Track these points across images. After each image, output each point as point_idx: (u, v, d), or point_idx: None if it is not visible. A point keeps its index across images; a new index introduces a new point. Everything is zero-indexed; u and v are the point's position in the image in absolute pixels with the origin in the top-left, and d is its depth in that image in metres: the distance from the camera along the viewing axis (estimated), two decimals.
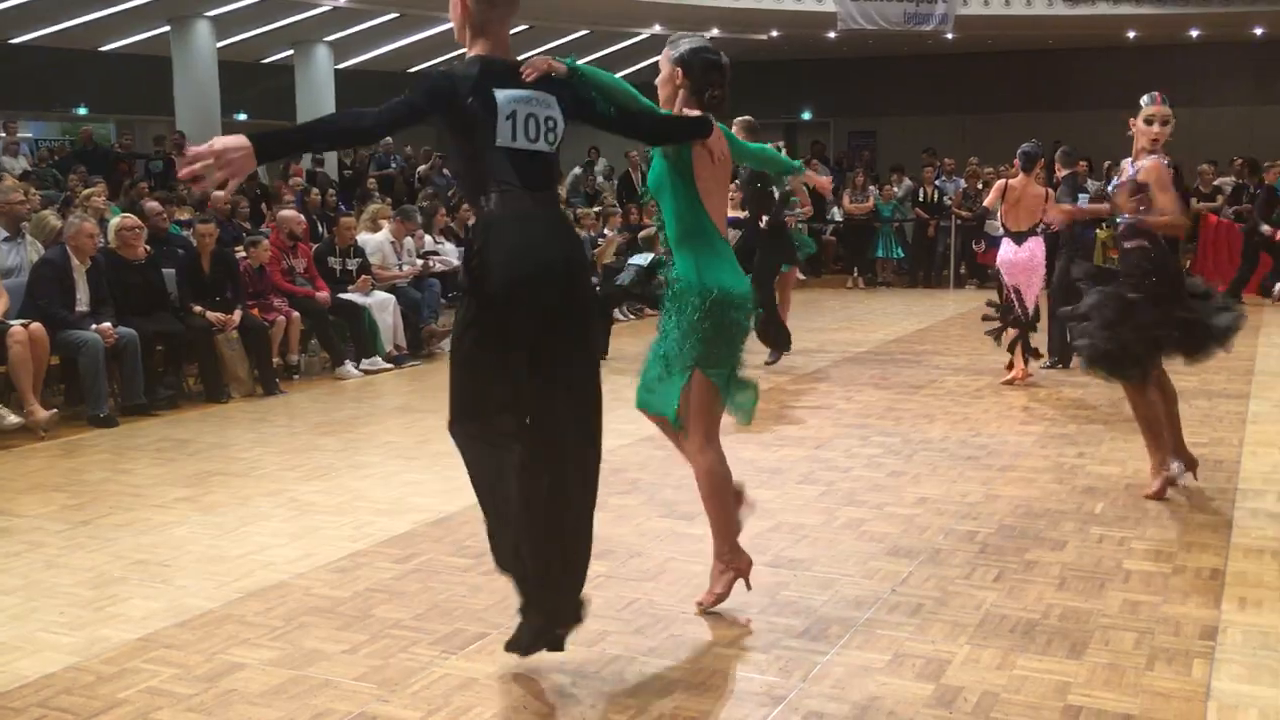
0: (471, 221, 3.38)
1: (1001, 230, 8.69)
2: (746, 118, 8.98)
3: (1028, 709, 3.26)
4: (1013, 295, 8.54)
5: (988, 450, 6.42)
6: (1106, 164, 16.64)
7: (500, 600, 4.16)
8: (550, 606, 3.41)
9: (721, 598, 3.98)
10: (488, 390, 3.27)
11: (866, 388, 8.44)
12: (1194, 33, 19.76)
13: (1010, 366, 8.64)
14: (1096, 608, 4.01)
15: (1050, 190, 8.76)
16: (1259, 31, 19.57)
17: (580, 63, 3.48)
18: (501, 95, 3.23)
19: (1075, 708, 3.26)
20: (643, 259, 10.32)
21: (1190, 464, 5.54)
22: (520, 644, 3.50)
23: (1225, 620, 3.88)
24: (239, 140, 2.95)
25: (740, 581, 3.99)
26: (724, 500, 3.93)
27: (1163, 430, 5.40)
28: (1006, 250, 8.59)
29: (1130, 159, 5.41)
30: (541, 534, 3.29)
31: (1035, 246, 8.54)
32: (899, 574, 4.37)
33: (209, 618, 4.04)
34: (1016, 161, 8.61)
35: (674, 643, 3.77)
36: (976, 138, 20.85)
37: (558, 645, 3.48)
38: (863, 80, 23.42)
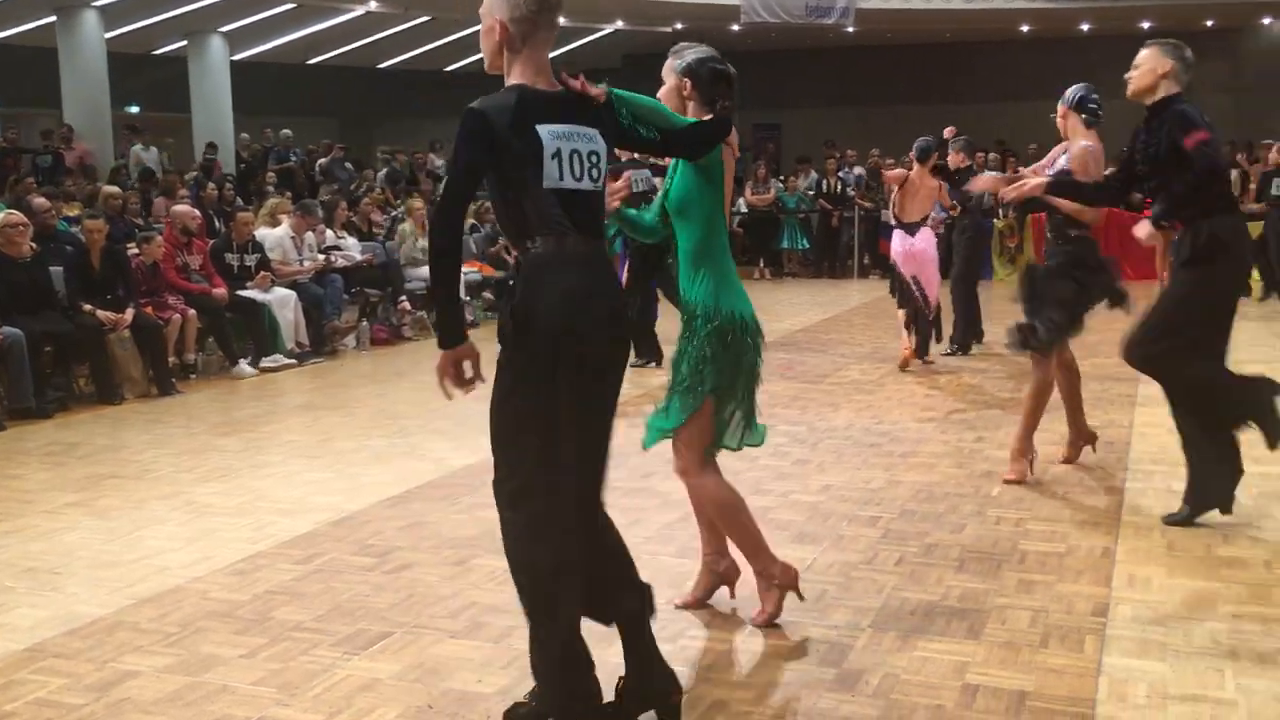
0: (514, 265, 3.08)
1: (894, 221, 8.86)
2: None
3: (927, 689, 3.32)
4: (911, 285, 8.68)
5: (890, 437, 6.52)
6: (1032, 147, 17.06)
7: (405, 599, 4.12)
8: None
9: (774, 616, 3.81)
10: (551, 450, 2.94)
11: (773, 377, 8.50)
12: (1085, 26, 20.33)
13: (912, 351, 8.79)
14: (993, 588, 4.10)
15: (943, 183, 8.93)
16: (1146, 25, 20.19)
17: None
18: (545, 132, 2.91)
19: (973, 686, 3.33)
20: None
21: (1090, 439, 5.82)
22: None
23: (1116, 597, 4.00)
24: (460, 354, 2.94)
25: (791, 594, 3.84)
26: (741, 519, 3.77)
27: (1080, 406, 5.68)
28: (900, 242, 8.75)
29: (1061, 146, 5.53)
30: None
31: (927, 236, 8.71)
32: (803, 561, 4.41)
33: (100, 625, 3.91)
34: (911, 154, 8.79)
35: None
36: (878, 130, 21.17)
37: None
38: (766, 73, 23.57)
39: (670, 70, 3.72)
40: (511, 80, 3.01)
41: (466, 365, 2.93)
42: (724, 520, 3.80)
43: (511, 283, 2.96)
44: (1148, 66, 4.76)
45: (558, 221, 2.93)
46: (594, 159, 3.00)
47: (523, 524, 2.96)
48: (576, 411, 2.92)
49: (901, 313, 8.84)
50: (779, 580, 3.82)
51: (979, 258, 10.19)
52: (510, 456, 2.99)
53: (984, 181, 5.92)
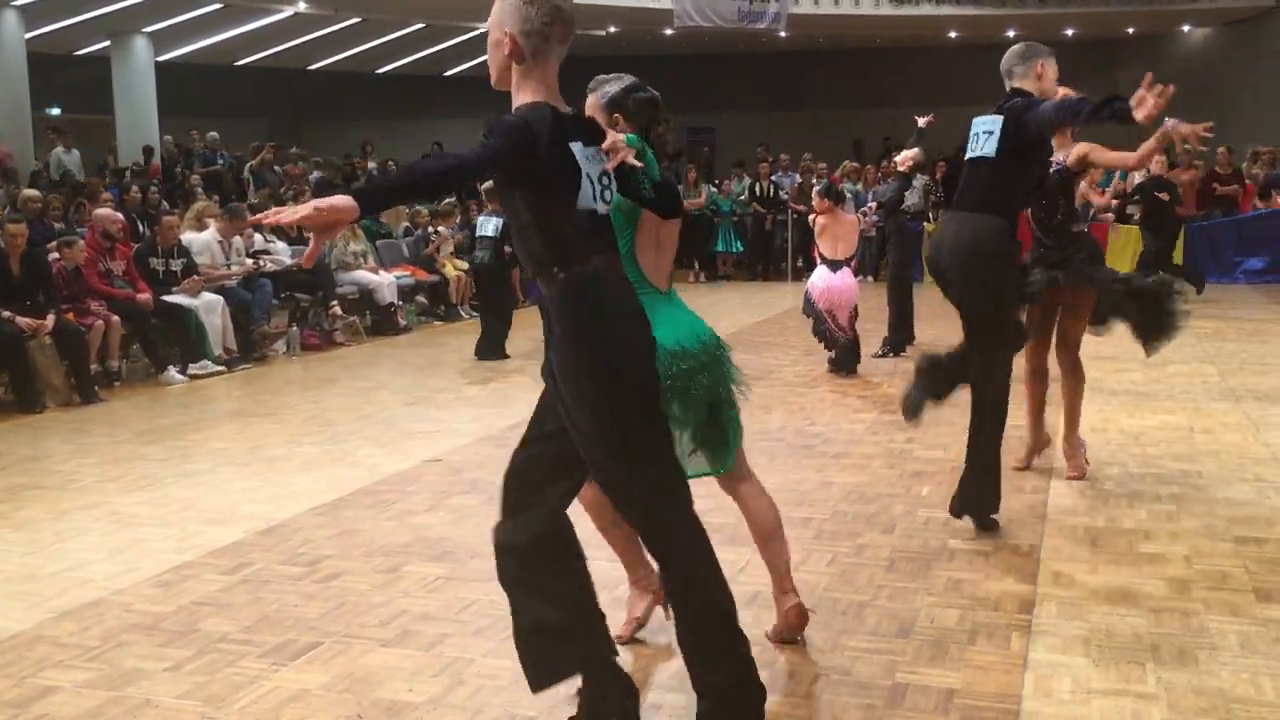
0: (560, 282, 2.84)
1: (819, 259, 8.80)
2: None
3: (857, 688, 3.35)
4: (826, 318, 8.56)
5: (823, 439, 6.58)
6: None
7: (335, 608, 4.06)
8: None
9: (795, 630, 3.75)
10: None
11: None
12: (1010, 33, 20.68)
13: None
14: (923, 587, 4.16)
15: (859, 216, 9.05)
16: (1070, 32, 20.62)
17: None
18: (579, 150, 2.83)
19: (902, 684, 3.36)
20: (490, 226, 10.13)
21: (1046, 444, 5.87)
22: None
23: (1041, 594, 4.07)
24: (345, 201, 2.44)
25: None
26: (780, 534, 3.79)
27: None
28: (820, 278, 8.68)
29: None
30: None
31: (846, 275, 8.64)
32: (736, 563, 4.42)
33: (19, 640, 3.81)
34: (824, 199, 8.66)
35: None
36: (811, 134, 21.37)
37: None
38: (700, 77, 23.73)
39: (595, 106, 3.54)
40: (525, 97, 2.87)
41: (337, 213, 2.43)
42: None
43: (566, 299, 2.80)
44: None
45: (591, 243, 2.82)
46: (606, 180, 2.93)
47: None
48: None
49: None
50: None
51: (909, 260, 10.30)
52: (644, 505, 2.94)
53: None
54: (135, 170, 16.16)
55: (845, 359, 8.74)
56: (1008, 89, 4.82)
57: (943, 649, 3.61)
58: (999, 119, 4.67)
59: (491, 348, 9.85)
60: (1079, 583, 4.18)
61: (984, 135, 4.71)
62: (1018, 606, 3.95)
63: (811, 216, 9.04)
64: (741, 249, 17.61)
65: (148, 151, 17.02)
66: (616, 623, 3.87)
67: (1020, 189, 4.76)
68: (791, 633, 3.72)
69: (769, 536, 3.75)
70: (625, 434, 2.82)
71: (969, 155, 4.78)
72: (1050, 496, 5.31)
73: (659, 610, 3.90)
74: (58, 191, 12.68)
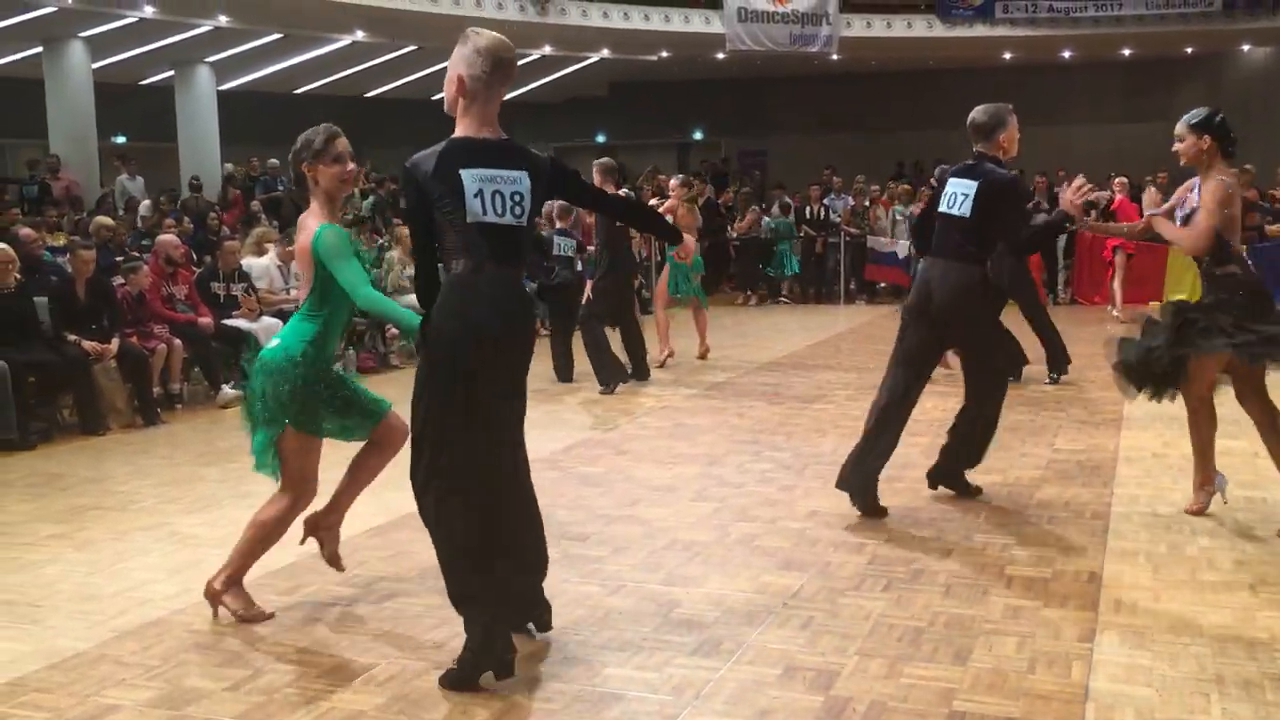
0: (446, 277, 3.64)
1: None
2: (606, 160, 9.64)
3: (914, 716, 3.31)
4: None
5: None
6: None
7: (389, 630, 4.10)
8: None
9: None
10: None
11: (759, 403, 8.52)
12: (1066, 54, 20.52)
13: None
14: (980, 614, 4.10)
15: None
16: (1127, 53, 20.41)
17: None
18: (467, 175, 3.48)
19: (960, 713, 3.32)
20: (568, 246, 10.08)
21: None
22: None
23: (1102, 622, 3.99)
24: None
25: None
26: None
27: (1210, 452, 5.32)
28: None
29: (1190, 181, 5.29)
30: None
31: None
32: (790, 588, 4.41)
33: (82, 659, 3.88)
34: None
35: (567, 664, 3.74)
36: (863, 156, 21.31)
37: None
38: (752, 100, 23.79)
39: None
40: (460, 128, 3.59)
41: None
42: None
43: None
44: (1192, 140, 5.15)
45: (478, 249, 3.49)
46: (517, 198, 3.54)
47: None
48: (480, 400, 3.56)
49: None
50: None
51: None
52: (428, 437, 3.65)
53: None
54: (194, 186, 16.42)
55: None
56: (974, 149, 5.40)
57: (1002, 677, 3.55)
58: (974, 185, 5.25)
59: (568, 369, 9.72)
60: (1141, 610, 4.11)
61: (960, 196, 5.28)
62: (1078, 635, 3.88)
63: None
64: (798, 271, 17.43)
65: (228, 179, 17.17)
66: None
67: (991, 239, 5.39)
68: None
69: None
70: (438, 404, 3.58)
71: (942, 209, 5.36)
72: (1111, 523, 5.22)
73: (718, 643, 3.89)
74: (125, 218, 12.97)
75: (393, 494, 6.06)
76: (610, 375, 9.22)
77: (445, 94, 3.67)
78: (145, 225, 13.70)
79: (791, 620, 4.07)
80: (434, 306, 3.54)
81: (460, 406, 3.53)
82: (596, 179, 9.30)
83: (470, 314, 3.49)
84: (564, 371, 9.76)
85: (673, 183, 11.38)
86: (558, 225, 10.28)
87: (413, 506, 5.75)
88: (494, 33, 3.62)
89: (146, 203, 15.63)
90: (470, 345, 3.49)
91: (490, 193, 3.49)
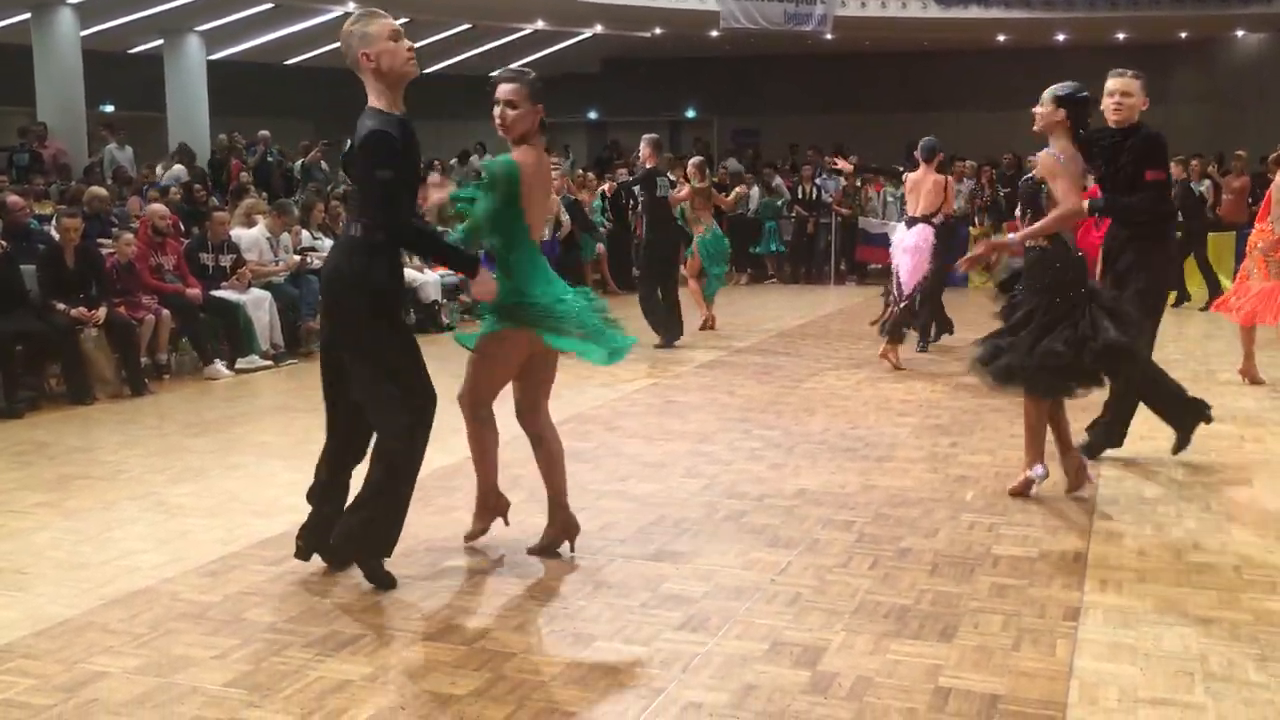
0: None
1: (881, 226, 9.26)
2: (653, 136, 10.60)
3: (900, 692, 3.33)
4: (895, 275, 9.02)
5: (865, 442, 6.54)
6: (1007, 157, 17.23)
7: (377, 600, 4.10)
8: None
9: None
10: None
11: (749, 382, 8.53)
12: (1061, 37, 20.48)
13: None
14: (966, 592, 4.12)
15: (949, 179, 9.46)
16: (1121, 37, 20.37)
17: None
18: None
19: (945, 689, 3.34)
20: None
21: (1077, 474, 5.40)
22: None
23: (1087, 602, 4.02)
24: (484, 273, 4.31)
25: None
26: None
27: (1043, 436, 5.31)
28: (896, 234, 9.18)
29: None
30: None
31: (924, 232, 8.93)
32: (778, 564, 4.42)
33: (69, 626, 3.87)
34: (917, 153, 9.23)
35: (555, 637, 3.76)
36: (856, 137, 21.26)
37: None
38: (745, 79, 23.68)
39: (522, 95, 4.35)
40: (380, 104, 4.09)
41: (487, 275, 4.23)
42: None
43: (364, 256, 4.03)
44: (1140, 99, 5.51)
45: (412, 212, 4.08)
46: None
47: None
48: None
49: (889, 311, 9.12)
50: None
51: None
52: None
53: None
54: (181, 152, 16.27)
55: (892, 325, 8.92)
56: None
57: (987, 654, 3.58)
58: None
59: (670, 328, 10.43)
60: (1126, 590, 4.13)
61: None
62: (1063, 614, 3.91)
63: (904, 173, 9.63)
64: (783, 250, 17.46)
65: (226, 151, 16.91)
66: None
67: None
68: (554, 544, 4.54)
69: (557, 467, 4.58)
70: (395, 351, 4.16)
71: None
72: (1097, 504, 5.25)
73: (703, 619, 3.91)
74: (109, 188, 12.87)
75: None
76: (668, 332, 10.28)
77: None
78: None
79: (779, 596, 4.09)
80: (378, 266, 4.06)
81: (412, 348, 4.19)
82: (645, 151, 10.47)
83: (399, 270, 4.22)
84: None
85: (690, 166, 11.59)
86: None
87: None
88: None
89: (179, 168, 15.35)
90: (398, 297, 4.32)
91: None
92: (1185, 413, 5.88)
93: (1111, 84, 5.71)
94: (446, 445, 6.50)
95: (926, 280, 9.08)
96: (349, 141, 4.08)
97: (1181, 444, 5.90)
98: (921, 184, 9.21)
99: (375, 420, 4.14)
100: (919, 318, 9.48)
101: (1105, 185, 5.84)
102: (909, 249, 9.04)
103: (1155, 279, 5.75)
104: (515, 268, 4.31)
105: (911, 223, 9.14)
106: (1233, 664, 3.50)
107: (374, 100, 4.10)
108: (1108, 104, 5.70)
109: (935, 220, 9.16)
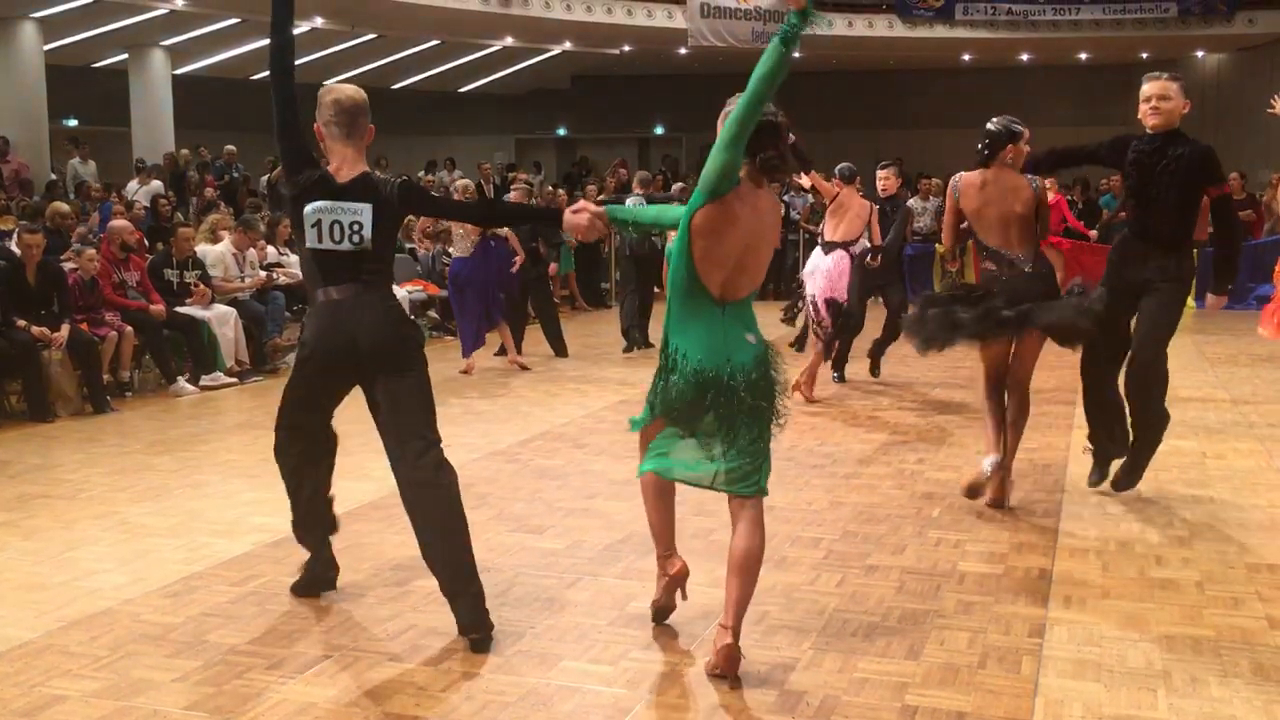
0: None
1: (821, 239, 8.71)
2: (644, 173, 11.90)
3: (867, 710, 3.33)
4: (809, 301, 8.41)
5: (833, 459, 6.56)
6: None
7: (342, 621, 4.06)
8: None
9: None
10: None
11: None
12: (1024, 57, 20.74)
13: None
14: (933, 609, 4.14)
15: (872, 204, 8.93)
16: (1083, 57, 20.66)
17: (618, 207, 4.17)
18: (310, 207, 3.88)
19: (912, 707, 3.35)
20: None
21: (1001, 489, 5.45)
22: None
23: (1052, 618, 4.04)
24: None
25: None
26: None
27: (994, 427, 5.46)
28: (811, 260, 8.63)
29: None
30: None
31: (842, 258, 8.41)
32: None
33: (27, 649, 3.81)
34: (835, 177, 8.82)
35: (521, 658, 3.73)
36: (823, 155, 21.38)
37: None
38: (713, 96, 23.69)
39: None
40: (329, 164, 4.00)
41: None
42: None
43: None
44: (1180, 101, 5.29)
45: (313, 275, 3.97)
46: (356, 227, 3.88)
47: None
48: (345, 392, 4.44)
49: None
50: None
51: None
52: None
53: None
54: (140, 168, 16.17)
55: (801, 338, 9.10)
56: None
57: (953, 672, 3.59)
58: None
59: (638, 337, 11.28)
60: (1090, 607, 4.16)
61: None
62: (1028, 630, 3.93)
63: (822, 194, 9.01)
64: None
65: (205, 167, 16.77)
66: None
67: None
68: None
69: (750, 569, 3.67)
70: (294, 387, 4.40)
71: None
72: (1061, 521, 5.29)
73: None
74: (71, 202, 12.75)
75: (348, 485, 6.03)
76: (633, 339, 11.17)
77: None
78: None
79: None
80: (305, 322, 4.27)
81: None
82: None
83: (320, 330, 4.20)
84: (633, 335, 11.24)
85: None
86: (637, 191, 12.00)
87: (368, 498, 5.75)
88: (342, 85, 4.12)
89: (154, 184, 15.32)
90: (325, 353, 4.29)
91: (329, 223, 3.88)
92: (1114, 443, 5.57)
93: (1147, 88, 5.33)
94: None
95: (843, 310, 8.36)
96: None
97: (1099, 477, 5.68)
98: (847, 208, 8.60)
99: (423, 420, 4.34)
100: (835, 349, 8.90)
101: (1132, 198, 5.46)
102: (824, 273, 8.32)
103: (1180, 292, 5.42)
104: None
105: (830, 248, 8.42)
106: (1196, 679, 3.53)
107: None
108: (1144, 109, 5.32)
109: (854, 249, 8.49)
